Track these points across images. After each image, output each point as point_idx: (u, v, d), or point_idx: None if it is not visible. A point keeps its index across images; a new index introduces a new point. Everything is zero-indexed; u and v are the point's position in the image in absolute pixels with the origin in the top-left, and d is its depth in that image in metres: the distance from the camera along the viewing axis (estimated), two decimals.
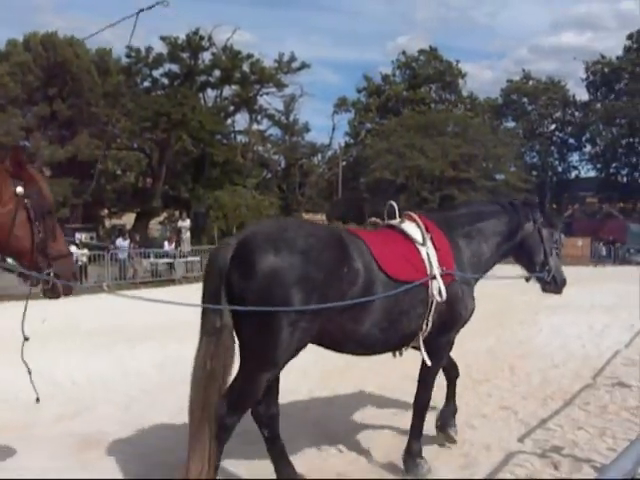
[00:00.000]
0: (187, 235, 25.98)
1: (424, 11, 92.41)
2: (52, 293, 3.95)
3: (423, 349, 4.65)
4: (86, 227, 32.27)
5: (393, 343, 4.60)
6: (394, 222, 4.90)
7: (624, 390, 6.90)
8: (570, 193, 57.18)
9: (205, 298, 4.06)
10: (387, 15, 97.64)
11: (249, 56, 41.29)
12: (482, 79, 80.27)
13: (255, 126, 46.18)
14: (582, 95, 56.20)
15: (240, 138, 46.47)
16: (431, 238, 4.71)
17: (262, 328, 3.84)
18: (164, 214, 39.22)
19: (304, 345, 4.07)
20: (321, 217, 34.27)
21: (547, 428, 5.75)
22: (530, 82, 57.09)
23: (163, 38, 38.76)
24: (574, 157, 58.28)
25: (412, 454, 4.81)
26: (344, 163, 49.74)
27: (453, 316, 4.74)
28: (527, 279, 5.49)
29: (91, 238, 28.95)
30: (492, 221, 5.22)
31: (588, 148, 56.34)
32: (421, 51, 55.93)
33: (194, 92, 39.18)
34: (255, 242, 3.91)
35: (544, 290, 5.48)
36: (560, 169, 58.68)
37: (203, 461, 3.84)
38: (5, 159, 3.81)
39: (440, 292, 4.50)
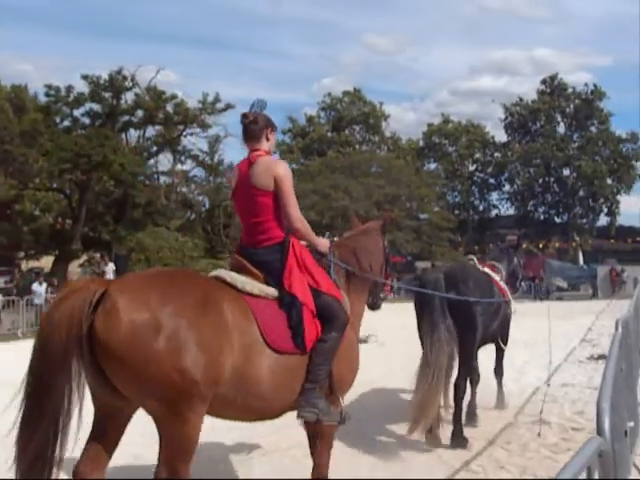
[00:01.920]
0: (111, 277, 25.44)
1: (350, 55, 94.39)
2: None
3: None
4: (1, 270, 31.07)
5: None
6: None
7: (544, 427, 6.93)
8: (491, 231, 58.72)
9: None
10: (313, 57, 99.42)
11: (173, 96, 40.96)
12: (405, 121, 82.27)
13: (179, 167, 45.66)
14: (500, 136, 58.29)
15: (163, 179, 45.90)
16: None
17: None
18: (84, 256, 38.08)
19: None
20: None
21: (470, 470, 5.69)
22: (450, 124, 58.77)
23: (84, 77, 38.03)
24: (494, 196, 60.10)
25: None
26: None
27: None
28: None
29: (5, 282, 27.84)
30: None
31: (507, 187, 58.22)
32: (346, 92, 56.89)
33: (116, 132, 38.53)
34: None
35: None
36: (481, 208, 60.32)
37: None
38: None
39: None
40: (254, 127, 4.36)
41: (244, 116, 4.42)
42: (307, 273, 4.25)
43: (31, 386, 3.51)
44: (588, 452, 2.21)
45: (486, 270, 7.34)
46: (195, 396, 3.52)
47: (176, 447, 3.58)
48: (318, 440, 4.39)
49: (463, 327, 6.49)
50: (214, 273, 4.25)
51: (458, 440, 6.37)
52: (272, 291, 4.09)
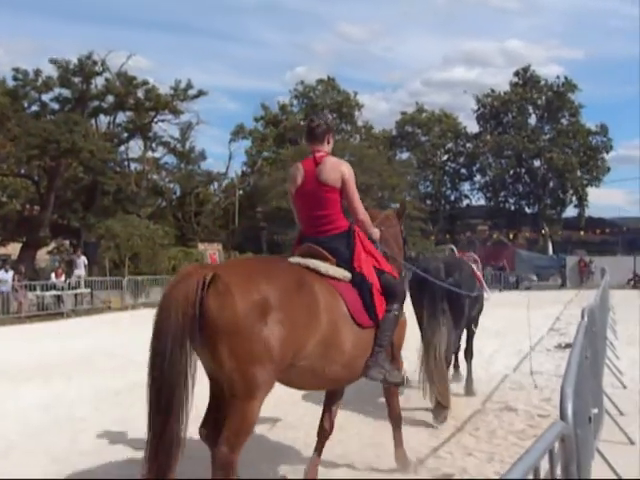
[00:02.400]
0: (82, 272, 24.95)
1: (323, 43, 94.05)
2: None
3: None
4: None
5: None
6: None
7: (511, 414, 7.01)
8: (462, 221, 59.19)
9: None
10: (286, 45, 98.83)
11: (144, 82, 40.50)
12: (378, 110, 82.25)
13: (150, 154, 45.28)
14: (473, 127, 58.56)
15: (134, 166, 45.46)
16: None
17: None
18: (53, 244, 37.61)
19: None
20: (217, 246, 33.79)
21: (438, 456, 5.74)
22: (423, 114, 58.95)
23: (53, 61, 37.31)
24: (465, 186, 60.46)
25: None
26: (241, 192, 49.45)
27: None
28: None
29: None
30: None
31: (478, 178, 58.60)
32: (319, 81, 56.71)
33: (86, 118, 37.98)
34: None
35: None
36: (452, 198, 60.67)
37: None
38: None
39: None
40: (318, 130, 4.97)
41: (311, 120, 5.10)
42: (370, 256, 4.90)
43: (157, 369, 3.88)
44: (550, 437, 2.23)
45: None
46: (274, 373, 3.99)
47: (240, 425, 3.90)
48: (387, 394, 5.48)
49: (455, 312, 7.25)
50: (294, 260, 4.68)
51: (439, 411, 6.79)
52: (347, 273, 4.64)
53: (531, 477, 2.02)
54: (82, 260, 25.58)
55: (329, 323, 4.26)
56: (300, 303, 4.09)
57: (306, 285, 4.25)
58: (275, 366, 3.92)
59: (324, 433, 5.22)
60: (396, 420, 5.56)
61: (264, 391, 3.97)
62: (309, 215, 4.93)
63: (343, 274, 4.61)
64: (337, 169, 4.85)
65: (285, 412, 7.13)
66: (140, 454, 5.74)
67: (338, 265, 4.66)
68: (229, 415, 3.90)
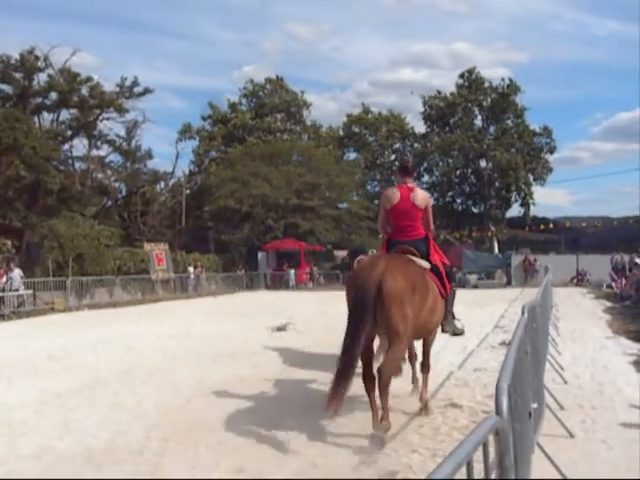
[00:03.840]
0: (18, 286, 23.25)
1: (272, 42, 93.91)
2: None
3: None
4: None
5: None
6: None
7: (456, 411, 7.08)
8: None
9: None
10: (234, 44, 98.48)
11: (88, 79, 39.89)
12: (326, 110, 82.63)
13: (94, 152, 44.53)
14: (420, 128, 59.16)
15: (78, 164, 44.66)
16: None
17: None
18: None
19: None
20: (164, 246, 33.38)
21: (384, 453, 5.74)
22: (370, 115, 59.32)
23: None
24: None
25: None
26: (188, 191, 48.99)
27: None
28: None
29: None
30: None
31: (426, 177, 59.23)
32: (268, 80, 56.60)
33: (28, 115, 37.14)
34: None
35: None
36: None
37: None
38: None
39: None
40: (410, 167, 7.39)
41: (405, 160, 7.64)
42: (437, 253, 7.16)
43: (357, 314, 6.02)
44: (484, 430, 2.27)
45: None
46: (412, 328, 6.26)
47: (397, 356, 6.27)
48: (425, 344, 7.43)
49: None
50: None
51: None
52: (427, 264, 6.82)
53: (464, 470, 2.05)
54: (17, 273, 22.93)
55: (433, 297, 6.61)
56: (424, 285, 6.45)
57: (424, 273, 6.60)
58: (413, 321, 6.15)
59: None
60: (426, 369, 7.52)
61: (409, 337, 6.41)
62: (400, 224, 7.05)
63: (427, 265, 6.78)
64: (423, 197, 7.14)
65: None
66: (81, 456, 5.67)
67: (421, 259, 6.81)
68: (390, 352, 6.10)
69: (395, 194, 7.04)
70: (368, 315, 5.97)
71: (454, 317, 7.58)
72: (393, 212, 7.06)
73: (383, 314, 6.05)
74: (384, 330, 6.29)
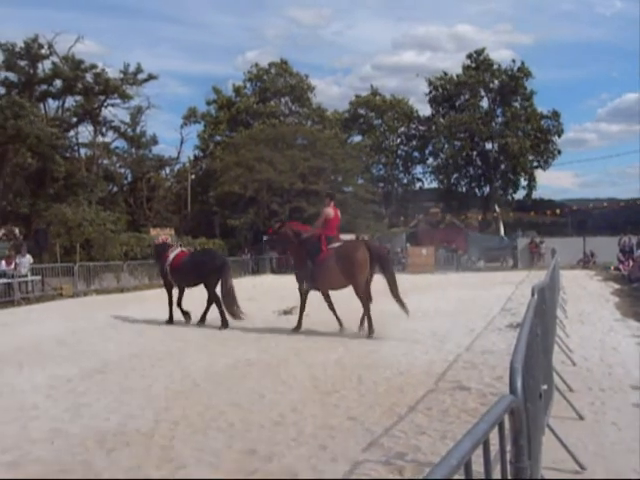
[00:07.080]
0: (26, 268, 23.36)
1: (273, 28, 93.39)
2: None
3: None
4: None
5: None
6: None
7: (464, 393, 7.09)
8: (415, 204, 59.67)
9: None
10: (236, 30, 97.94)
11: (93, 66, 39.76)
12: (329, 94, 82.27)
13: (100, 138, 44.53)
14: (424, 110, 58.84)
15: (84, 151, 44.66)
16: None
17: None
18: (2, 230, 36.73)
19: None
20: (170, 231, 33.38)
21: (392, 435, 5.75)
22: (377, 97, 59.03)
23: None
24: (418, 169, 60.91)
25: None
26: (193, 176, 48.97)
27: None
28: None
29: None
30: None
31: (431, 161, 59.05)
32: (272, 64, 56.30)
33: (33, 102, 37.09)
34: None
35: None
36: (405, 181, 61.09)
37: None
38: None
39: None
40: (334, 195, 13.82)
41: (332, 192, 14.30)
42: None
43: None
44: (499, 409, 2.26)
45: None
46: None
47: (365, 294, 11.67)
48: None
49: None
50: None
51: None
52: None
53: (481, 450, 2.05)
54: (27, 259, 23.25)
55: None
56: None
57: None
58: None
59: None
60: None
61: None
62: (333, 227, 12.64)
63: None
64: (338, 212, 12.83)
65: None
66: (92, 439, 5.71)
67: None
68: (357, 294, 11.53)
69: (331, 211, 12.39)
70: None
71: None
72: (329, 221, 12.34)
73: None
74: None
